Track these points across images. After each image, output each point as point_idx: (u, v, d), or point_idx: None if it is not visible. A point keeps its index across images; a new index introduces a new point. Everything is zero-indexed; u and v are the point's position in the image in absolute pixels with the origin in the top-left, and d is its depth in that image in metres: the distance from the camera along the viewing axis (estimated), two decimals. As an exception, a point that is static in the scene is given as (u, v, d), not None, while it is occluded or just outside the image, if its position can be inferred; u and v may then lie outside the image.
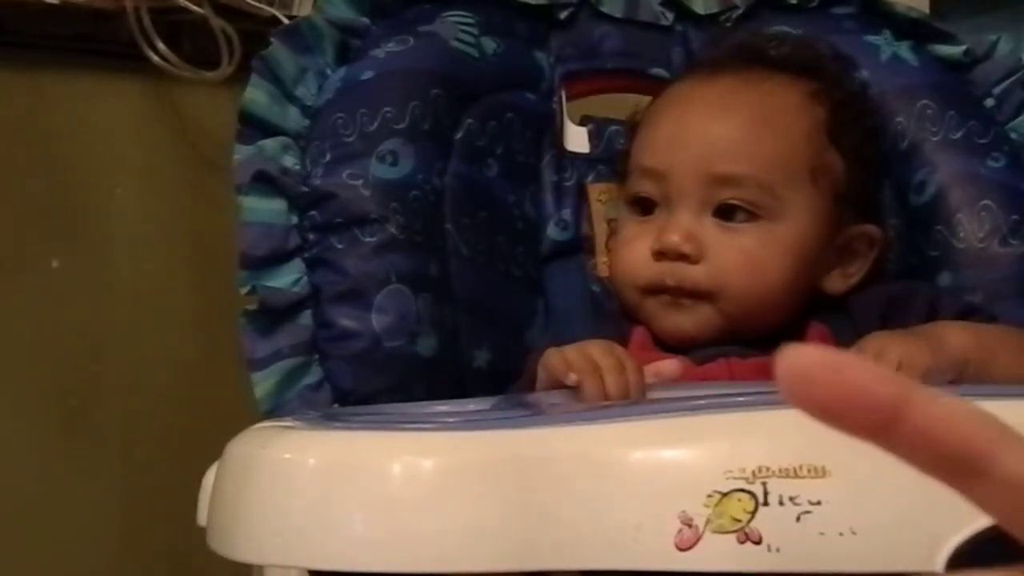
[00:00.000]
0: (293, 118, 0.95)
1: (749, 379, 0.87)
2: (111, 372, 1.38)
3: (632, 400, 0.78)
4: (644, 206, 0.94)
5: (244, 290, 0.91)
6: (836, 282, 0.95)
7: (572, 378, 0.79)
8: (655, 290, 0.91)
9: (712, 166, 0.90)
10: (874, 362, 0.82)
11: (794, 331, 0.92)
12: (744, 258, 0.90)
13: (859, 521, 0.56)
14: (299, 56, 0.96)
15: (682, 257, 0.90)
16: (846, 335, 0.83)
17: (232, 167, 0.94)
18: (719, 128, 0.93)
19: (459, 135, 0.99)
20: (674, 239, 0.90)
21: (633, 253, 0.93)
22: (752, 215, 0.91)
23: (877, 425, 0.30)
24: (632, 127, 1.02)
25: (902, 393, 0.30)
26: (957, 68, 1.06)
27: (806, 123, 0.93)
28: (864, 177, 0.96)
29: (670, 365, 0.82)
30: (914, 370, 0.76)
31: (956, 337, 0.81)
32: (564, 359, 0.80)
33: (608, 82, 1.10)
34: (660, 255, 0.91)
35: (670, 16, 1.11)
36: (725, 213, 0.91)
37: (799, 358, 0.30)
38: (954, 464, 0.30)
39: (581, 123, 1.08)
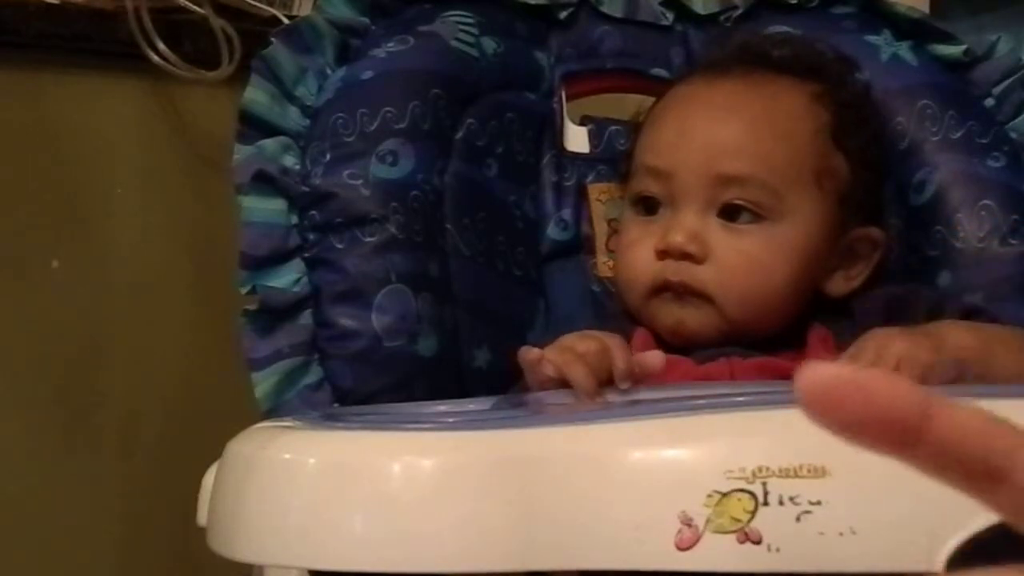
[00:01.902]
0: (293, 118, 0.95)
1: (750, 379, 0.87)
2: (111, 372, 1.38)
3: (623, 380, 0.78)
4: (648, 206, 0.94)
5: (244, 290, 0.91)
6: (838, 284, 0.95)
7: (549, 367, 0.79)
8: (659, 289, 0.91)
9: (717, 166, 0.90)
10: (874, 358, 0.81)
11: (796, 333, 0.92)
12: (748, 260, 0.90)
13: (859, 521, 0.56)
14: (299, 56, 0.96)
15: (686, 256, 0.90)
16: (848, 337, 0.83)
17: (232, 167, 0.94)
18: (724, 129, 0.93)
19: (459, 135, 0.99)
20: (678, 239, 0.90)
21: (637, 255, 0.93)
22: (756, 216, 0.91)
23: (899, 439, 0.29)
24: (635, 127, 1.02)
25: (924, 407, 0.29)
26: (957, 68, 1.06)
27: (811, 125, 0.93)
28: (867, 179, 0.96)
29: (653, 357, 0.82)
30: (914, 367, 0.76)
31: (957, 336, 0.81)
32: (540, 355, 0.81)
33: (608, 82, 1.10)
34: (664, 254, 0.91)
35: (670, 16, 1.11)
36: (730, 214, 0.91)
37: (820, 375, 0.29)
38: (974, 472, 0.30)
39: (581, 123, 1.08)
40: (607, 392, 0.78)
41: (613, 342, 0.82)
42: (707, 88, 0.96)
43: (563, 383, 0.80)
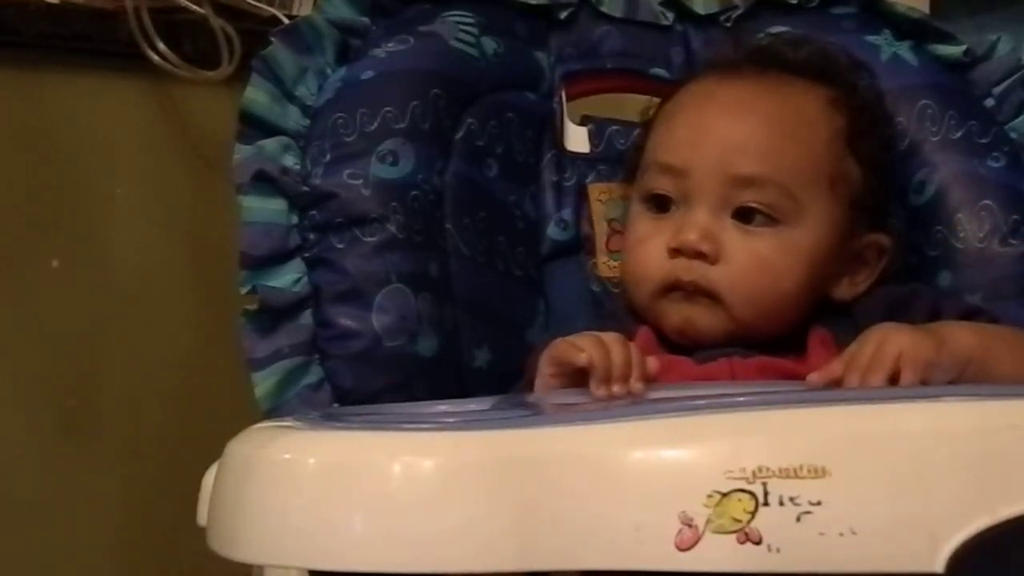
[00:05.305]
0: (293, 118, 0.95)
1: (751, 378, 0.87)
2: (111, 372, 1.38)
3: (635, 375, 0.79)
4: (660, 203, 0.94)
5: (244, 290, 0.91)
6: (844, 290, 0.95)
7: (583, 357, 0.79)
8: (669, 288, 0.91)
9: (734, 167, 0.90)
10: (874, 353, 0.81)
11: (797, 334, 0.92)
12: (760, 262, 0.90)
13: (859, 521, 0.56)
14: (299, 56, 0.96)
15: (699, 256, 0.90)
16: (848, 338, 0.83)
17: (232, 167, 0.94)
18: (741, 129, 0.92)
19: (459, 135, 0.99)
20: (692, 237, 0.90)
21: (648, 252, 0.93)
22: (771, 219, 0.91)
23: None
24: (646, 123, 1.02)
25: None
26: (957, 68, 1.06)
27: (826, 130, 0.93)
28: (878, 186, 0.96)
29: (647, 362, 0.82)
30: (916, 362, 0.76)
31: (959, 335, 0.81)
32: (572, 343, 0.81)
33: (608, 82, 1.10)
34: (676, 252, 0.91)
35: (670, 16, 1.11)
36: (744, 216, 0.91)
37: None
38: None
39: (581, 123, 1.08)
40: (615, 389, 0.79)
41: (631, 344, 0.82)
42: (722, 87, 0.96)
43: (572, 380, 0.81)
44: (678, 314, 0.91)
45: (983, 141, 1.02)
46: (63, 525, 1.35)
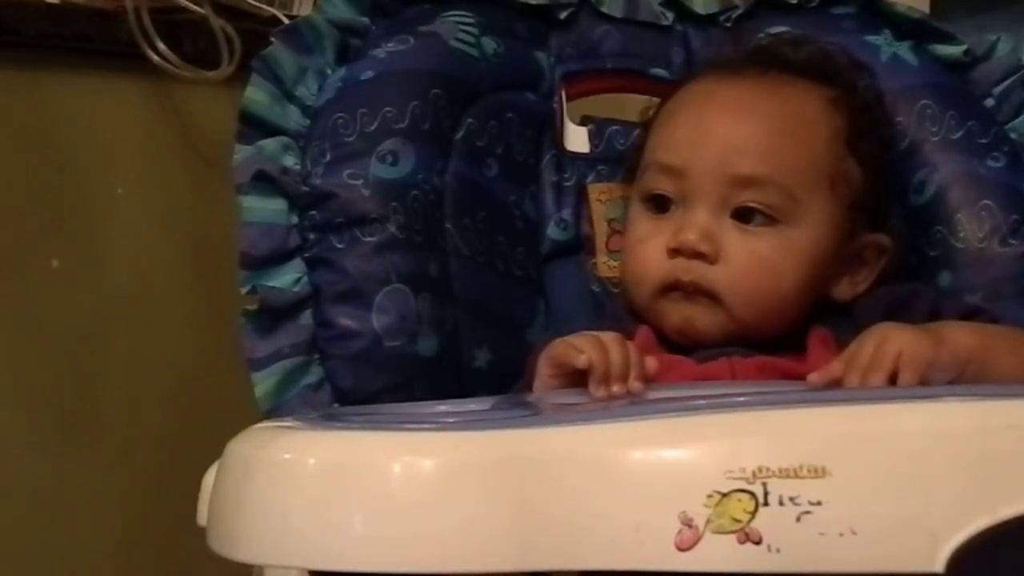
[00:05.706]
0: (293, 118, 0.96)
1: (751, 378, 0.88)
2: (111, 372, 1.38)
3: (634, 375, 0.79)
4: (659, 203, 0.94)
5: (244, 290, 0.91)
6: (844, 289, 0.95)
7: (583, 359, 0.79)
8: (668, 288, 0.91)
9: (733, 167, 0.90)
10: (873, 352, 0.81)
11: (797, 334, 0.92)
12: (759, 262, 0.90)
13: (859, 521, 0.56)
14: (299, 56, 0.96)
15: (698, 256, 0.90)
16: (848, 339, 0.83)
17: (232, 167, 0.94)
18: (741, 129, 0.92)
19: (459, 135, 0.99)
20: (691, 237, 0.90)
21: (648, 252, 0.93)
22: (770, 219, 0.91)
23: None
24: (645, 124, 1.02)
25: None
26: (957, 68, 1.06)
27: (827, 130, 0.93)
28: (878, 186, 0.96)
29: (646, 361, 0.82)
30: (916, 361, 0.76)
31: (959, 335, 0.81)
32: (571, 344, 0.81)
33: (608, 82, 1.10)
34: (675, 252, 0.91)
35: (670, 16, 1.11)
36: (743, 215, 0.91)
37: None
38: None
39: (581, 123, 1.08)
40: (614, 389, 0.79)
41: (630, 344, 0.82)
42: (723, 87, 0.96)
43: (571, 381, 0.81)
44: (678, 314, 0.92)
45: (983, 141, 1.02)
46: (63, 525, 1.35)
